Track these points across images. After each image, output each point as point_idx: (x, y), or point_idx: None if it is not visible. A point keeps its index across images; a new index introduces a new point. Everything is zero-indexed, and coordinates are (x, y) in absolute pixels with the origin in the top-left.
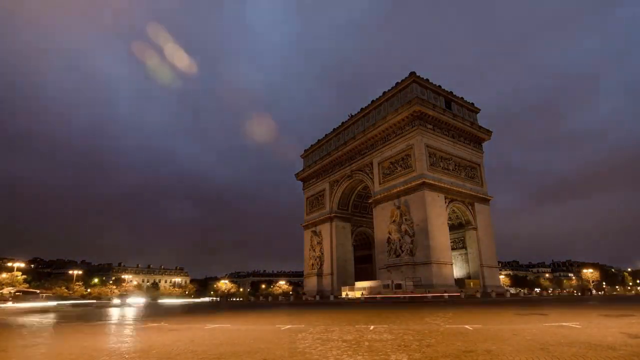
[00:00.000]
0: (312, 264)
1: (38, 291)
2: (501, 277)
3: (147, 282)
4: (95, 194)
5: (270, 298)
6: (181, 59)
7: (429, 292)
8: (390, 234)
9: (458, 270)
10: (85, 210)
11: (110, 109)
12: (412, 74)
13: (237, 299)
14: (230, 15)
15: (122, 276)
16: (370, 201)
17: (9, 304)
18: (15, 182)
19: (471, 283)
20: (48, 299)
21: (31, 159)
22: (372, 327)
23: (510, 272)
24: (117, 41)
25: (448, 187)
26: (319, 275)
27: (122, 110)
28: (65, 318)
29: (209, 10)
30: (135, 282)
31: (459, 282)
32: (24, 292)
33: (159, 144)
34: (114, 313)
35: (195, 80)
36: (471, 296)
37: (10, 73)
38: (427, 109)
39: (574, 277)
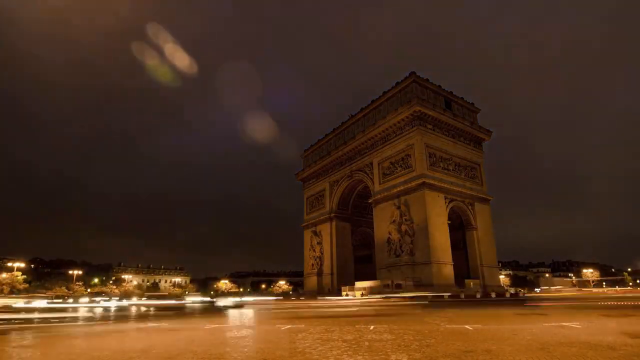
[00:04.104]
0: (312, 264)
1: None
2: (501, 277)
3: (147, 282)
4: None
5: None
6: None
7: (429, 292)
8: (390, 234)
9: (458, 270)
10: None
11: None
12: (412, 73)
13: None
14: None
15: (122, 276)
16: (370, 201)
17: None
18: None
19: (471, 283)
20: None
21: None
22: (372, 327)
23: (510, 272)
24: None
25: (448, 187)
26: (319, 275)
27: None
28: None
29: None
30: (135, 282)
31: (459, 282)
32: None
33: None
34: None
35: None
36: (471, 296)
37: None
38: (427, 109)
39: (574, 277)
